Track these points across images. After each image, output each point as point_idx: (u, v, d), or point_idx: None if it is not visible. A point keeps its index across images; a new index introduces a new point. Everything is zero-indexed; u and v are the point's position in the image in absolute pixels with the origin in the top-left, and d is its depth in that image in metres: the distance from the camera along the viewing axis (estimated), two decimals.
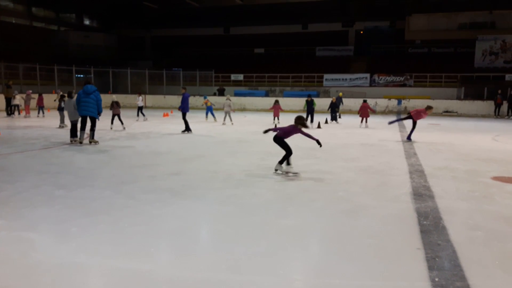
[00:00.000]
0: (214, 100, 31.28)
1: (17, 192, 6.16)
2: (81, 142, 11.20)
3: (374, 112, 20.32)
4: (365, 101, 18.85)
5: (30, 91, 21.71)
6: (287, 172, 7.65)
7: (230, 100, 18.66)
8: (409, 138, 12.69)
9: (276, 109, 18.79)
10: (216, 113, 20.12)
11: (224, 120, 18.27)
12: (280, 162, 7.69)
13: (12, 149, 10.19)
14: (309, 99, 18.12)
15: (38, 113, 21.01)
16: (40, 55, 33.05)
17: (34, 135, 13.05)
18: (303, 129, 7.58)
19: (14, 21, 38.84)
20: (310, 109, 18.00)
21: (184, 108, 14.38)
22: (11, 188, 6.34)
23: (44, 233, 4.51)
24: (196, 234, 4.74)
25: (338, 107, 21.93)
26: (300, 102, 29.27)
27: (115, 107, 15.69)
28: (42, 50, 35.78)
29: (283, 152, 9.68)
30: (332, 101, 19.94)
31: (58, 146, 10.82)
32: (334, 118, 19.72)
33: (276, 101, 19.16)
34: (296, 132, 7.61)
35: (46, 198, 5.83)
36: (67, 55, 35.95)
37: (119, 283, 3.46)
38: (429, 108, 12.38)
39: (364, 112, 17.77)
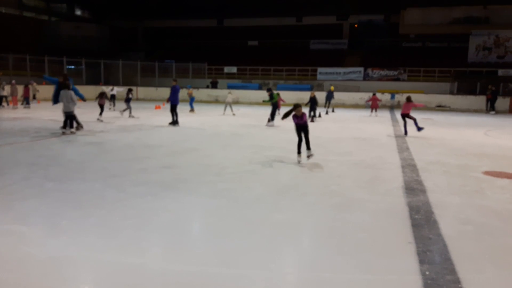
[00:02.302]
0: (207, 92, 31.29)
1: (6, 184, 6.09)
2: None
3: (380, 101, 22.39)
4: (374, 94, 21.94)
5: (14, 81, 21.48)
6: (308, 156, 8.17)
7: (231, 94, 19.53)
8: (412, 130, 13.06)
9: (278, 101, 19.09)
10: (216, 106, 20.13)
11: (225, 110, 18.85)
12: (308, 147, 8.14)
13: (1, 141, 10.06)
14: (269, 93, 16.12)
15: (26, 103, 20.76)
16: (31, 45, 32.66)
17: (23, 127, 12.90)
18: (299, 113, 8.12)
19: (4, 11, 38.27)
20: (274, 104, 15.74)
21: (174, 100, 14.31)
22: (0, 180, 6.26)
23: (34, 226, 4.47)
24: (188, 227, 4.72)
25: (329, 102, 21.97)
26: (294, 95, 29.33)
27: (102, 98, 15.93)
28: (33, 41, 35.34)
29: (275, 146, 9.71)
30: (310, 96, 17.79)
31: (48, 138, 10.71)
32: (313, 115, 17.49)
33: (277, 94, 19.38)
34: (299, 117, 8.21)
35: (36, 191, 5.77)
36: (58, 46, 35.49)
37: (111, 277, 3.43)
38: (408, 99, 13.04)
39: (374, 103, 20.76)
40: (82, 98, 12.57)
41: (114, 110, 19.51)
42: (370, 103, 21.44)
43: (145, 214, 4.93)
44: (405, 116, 12.65)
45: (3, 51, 26.86)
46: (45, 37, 37.86)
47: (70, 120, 11.51)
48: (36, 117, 16.09)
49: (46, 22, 41.36)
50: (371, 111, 20.99)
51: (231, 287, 3.30)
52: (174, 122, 14.23)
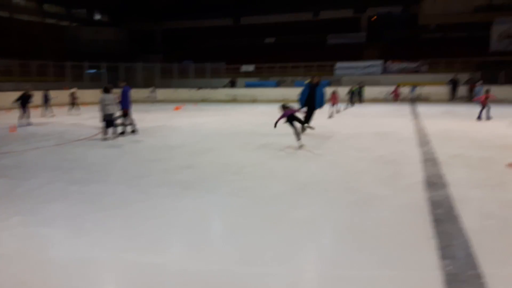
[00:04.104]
0: (225, 92, 31.35)
1: (32, 188, 6.27)
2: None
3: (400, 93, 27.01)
4: (398, 86, 26.87)
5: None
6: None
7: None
8: (487, 117, 15.10)
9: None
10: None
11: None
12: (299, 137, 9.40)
13: (27, 146, 10.36)
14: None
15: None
16: (52, 51, 33.43)
17: (47, 132, 13.24)
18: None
19: (26, 18, 39.28)
20: None
21: (125, 105, 12.18)
22: (26, 184, 6.46)
23: (59, 228, 4.60)
24: (209, 226, 4.77)
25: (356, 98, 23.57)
26: None
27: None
28: (54, 47, 36.18)
29: (294, 144, 9.79)
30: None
31: (71, 142, 10.97)
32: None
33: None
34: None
35: (61, 194, 5.93)
36: (78, 51, 36.25)
37: (133, 277, 3.51)
38: (486, 91, 15.69)
39: (396, 93, 26.46)
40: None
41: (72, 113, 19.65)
42: (392, 95, 26.37)
43: (167, 214, 5.02)
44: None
45: (27, 57, 27.57)
46: (66, 42, 38.70)
47: (111, 124, 11.15)
48: (58, 122, 16.47)
49: (67, 27, 42.28)
50: (396, 100, 26.09)
51: (252, 285, 3.33)
52: (127, 131, 12.12)
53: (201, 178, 6.80)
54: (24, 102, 15.30)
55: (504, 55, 31.00)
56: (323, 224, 4.69)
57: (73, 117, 18.02)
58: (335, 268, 3.60)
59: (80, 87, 24.31)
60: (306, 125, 11.18)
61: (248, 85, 32.37)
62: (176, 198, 5.64)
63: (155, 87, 28.04)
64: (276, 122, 9.39)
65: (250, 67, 36.01)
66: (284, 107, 9.51)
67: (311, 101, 10.58)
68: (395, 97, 25.97)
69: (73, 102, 20.53)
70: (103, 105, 10.96)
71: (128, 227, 4.61)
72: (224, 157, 8.66)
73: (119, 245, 4.12)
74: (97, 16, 46.76)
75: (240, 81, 33.63)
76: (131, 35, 42.89)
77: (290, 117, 9.43)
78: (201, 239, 4.29)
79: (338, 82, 31.55)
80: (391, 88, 27.67)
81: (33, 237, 4.34)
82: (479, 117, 15.06)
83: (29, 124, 15.00)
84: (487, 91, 15.60)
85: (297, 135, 9.35)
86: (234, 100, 30.38)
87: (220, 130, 13.32)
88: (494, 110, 19.65)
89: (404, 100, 26.60)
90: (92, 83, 29.73)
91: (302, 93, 10.74)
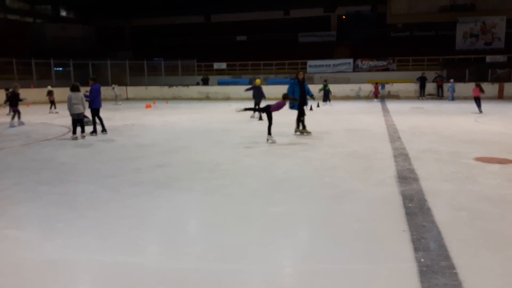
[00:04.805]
0: (198, 90, 31.09)
1: None
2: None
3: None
4: (376, 83, 26.97)
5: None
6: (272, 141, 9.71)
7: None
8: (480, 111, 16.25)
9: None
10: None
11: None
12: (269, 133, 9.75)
13: None
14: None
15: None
16: (16, 48, 32.18)
17: (13, 131, 12.77)
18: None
19: None
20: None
21: (96, 103, 11.66)
22: None
23: (29, 230, 4.44)
24: (184, 225, 4.72)
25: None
26: (285, 89, 29.28)
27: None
28: (18, 44, 34.87)
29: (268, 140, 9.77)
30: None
31: (39, 142, 10.62)
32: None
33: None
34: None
35: (30, 195, 5.73)
36: (44, 48, 35.08)
37: (108, 277, 3.43)
38: (477, 85, 16.48)
39: (376, 91, 26.53)
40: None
41: (57, 113, 18.89)
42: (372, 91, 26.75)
43: (140, 214, 4.92)
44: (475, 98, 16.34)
45: None
46: (30, 39, 37.39)
47: (80, 123, 10.87)
48: (25, 121, 15.88)
49: (31, 24, 40.84)
50: (376, 97, 26.31)
51: (228, 282, 3.31)
52: (95, 131, 11.69)
53: (175, 176, 6.72)
54: (14, 101, 14.54)
55: (469, 54, 32.09)
56: (298, 220, 4.72)
57: (40, 116, 17.44)
58: (311, 262, 3.63)
59: (48, 85, 23.53)
60: (303, 129, 11.03)
61: (221, 83, 32.20)
62: (149, 197, 5.54)
63: (114, 84, 27.29)
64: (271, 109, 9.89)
65: (222, 65, 35.82)
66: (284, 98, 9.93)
67: (302, 97, 10.75)
68: (375, 94, 26.33)
69: (52, 100, 19.64)
70: (71, 104, 10.66)
71: (101, 228, 4.50)
72: (198, 155, 8.59)
73: (92, 246, 4.02)
74: (63, 13, 45.34)
75: (213, 78, 33.41)
76: (98, 32, 41.81)
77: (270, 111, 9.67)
78: (176, 237, 4.23)
79: (310, 80, 31.85)
80: (362, 85, 28.23)
81: (3, 240, 4.18)
82: (480, 111, 16.20)
83: (21, 123, 14.34)
84: (479, 85, 16.32)
85: (270, 129, 9.73)
86: (207, 98, 30.18)
87: (193, 128, 13.20)
88: (460, 106, 20.36)
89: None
90: (60, 81, 28.85)
91: (292, 91, 10.77)
